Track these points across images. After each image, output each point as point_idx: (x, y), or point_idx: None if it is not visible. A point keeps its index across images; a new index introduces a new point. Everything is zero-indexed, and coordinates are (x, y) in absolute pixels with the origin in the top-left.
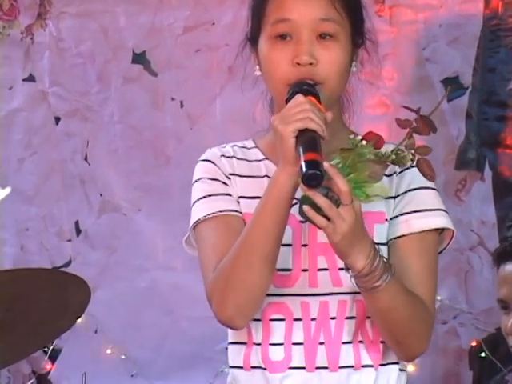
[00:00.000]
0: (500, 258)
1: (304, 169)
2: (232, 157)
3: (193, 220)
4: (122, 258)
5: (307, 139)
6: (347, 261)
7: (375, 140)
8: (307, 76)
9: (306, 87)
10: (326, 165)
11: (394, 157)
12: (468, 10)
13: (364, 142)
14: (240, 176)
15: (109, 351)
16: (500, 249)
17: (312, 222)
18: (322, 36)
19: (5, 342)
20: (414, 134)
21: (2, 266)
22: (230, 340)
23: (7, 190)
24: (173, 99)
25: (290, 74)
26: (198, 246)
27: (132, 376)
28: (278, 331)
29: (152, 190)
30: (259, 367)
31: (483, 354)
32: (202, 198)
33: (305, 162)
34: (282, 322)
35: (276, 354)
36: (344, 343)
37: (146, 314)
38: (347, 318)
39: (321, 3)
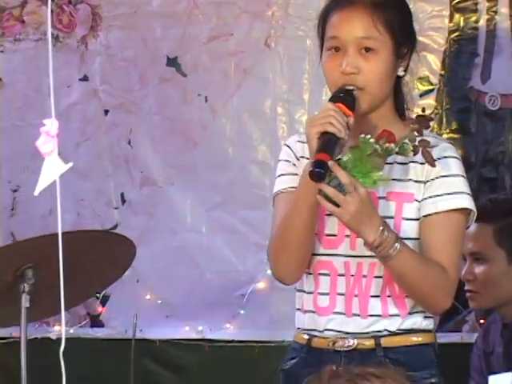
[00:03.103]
0: None
1: (310, 167)
2: (306, 142)
3: (273, 193)
4: (158, 223)
5: (323, 141)
6: (360, 236)
7: (387, 136)
8: (350, 83)
9: (342, 94)
10: (330, 163)
11: (397, 149)
12: (435, 24)
13: (372, 140)
14: (307, 158)
15: (148, 297)
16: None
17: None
18: (365, 49)
19: (67, 290)
20: None
21: (63, 229)
22: (296, 287)
23: (70, 164)
24: (199, 95)
25: (339, 81)
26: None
27: (167, 317)
28: (324, 283)
29: (182, 168)
30: (311, 311)
31: None
32: (278, 176)
33: (312, 161)
34: (328, 277)
35: (323, 301)
36: (372, 296)
37: (177, 267)
38: (375, 276)
39: (363, 23)
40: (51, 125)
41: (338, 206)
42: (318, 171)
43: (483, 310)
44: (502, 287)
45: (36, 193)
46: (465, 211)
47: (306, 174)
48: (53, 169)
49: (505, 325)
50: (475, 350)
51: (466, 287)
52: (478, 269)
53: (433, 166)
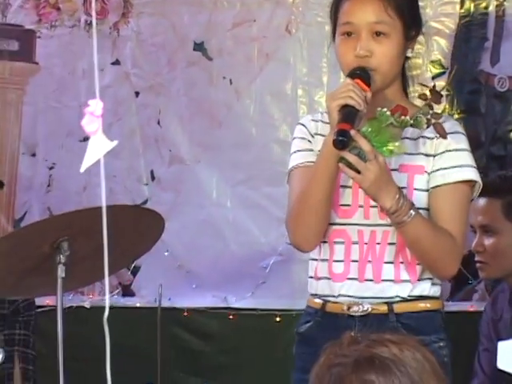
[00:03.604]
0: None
1: (334, 136)
2: (319, 121)
3: (288, 168)
4: (185, 198)
5: (344, 112)
6: (378, 202)
7: (401, 110)
8: (364, 65)
9: (358, 72)
10: (352, 132)
11: (412, 122)
12: (447, 10)
13: (388, 113)
14: (322, 135)
15: (176, 268)
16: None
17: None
18: (377, 34)
19: (101, 261)
20: None
21: (96, 203)
22: (310, 257)
23: (115, 142)
24: (224, 78)
25: (352, 64)
26: (288, 188)
27: (194, 287)
28: (339, 251)
29: (208, 147)
30: (325, 277)
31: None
32: (294, 153)
33: (335, 131)
34: (342, 245)
35: (337, 267)
36: (386, 263)
37: (204, 240)
38: (389, 243)
39: (375, 9)
40: (96, 105)
41: (358, 173)
42: (342, 139)
43: (492, 280)
44: (510, 258)
45: (82, 170)
46: (471, 183)
47: (326, 145)
48: (98, 147)
49: None
50: (484, 318)
51: (476, 258)
52: (488, 241)
53: (444, 137)
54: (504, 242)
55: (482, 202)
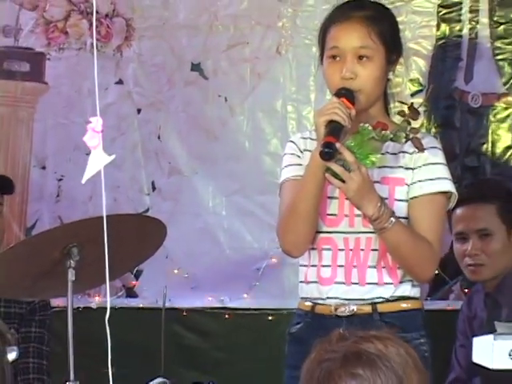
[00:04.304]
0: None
1: (321, 148)
2: (308, 138)
3: (279, 181)
4: (184, 207)
5: (330, 127)
6: (361, 210)
7: (382, 126)
8: (349, 86)
9: (343, 91)
10: (337, 145)
11: (391, 136)
12: (425, 33)
13: (370, 128)
14: (310, 151)
15: (176, 271)
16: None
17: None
18: (361, 57)
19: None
20: None
21: (101, 212)
22: (299, 263)
23: (113, 156)
24: (219, 96)
25: (339, 84)
26: (280, 200)
27: (192, 288)
28: (326, 257)
29: (205, 159)
30: (314, 281)
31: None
32: (284, 167)
33: (322, 143)
34: (330, 251)
35: (325, 272)
36: (369, 267)
37: (201, 245)
38: (372, 249)
39: (359, 35)
40: (96, 122)
41: (343, 182)
42: (328, 151)
43: (481, 281)
44: (503, 259)
45: (83, 181)
46: (447, 194)
47: (314, 159)
48: (98, 160)
49: (487, 294)
50: (461, 316)
51: (470, 262)
52: (484, 243)
53: (421, 150)
54: (499, 244)
55: (476, 208)
